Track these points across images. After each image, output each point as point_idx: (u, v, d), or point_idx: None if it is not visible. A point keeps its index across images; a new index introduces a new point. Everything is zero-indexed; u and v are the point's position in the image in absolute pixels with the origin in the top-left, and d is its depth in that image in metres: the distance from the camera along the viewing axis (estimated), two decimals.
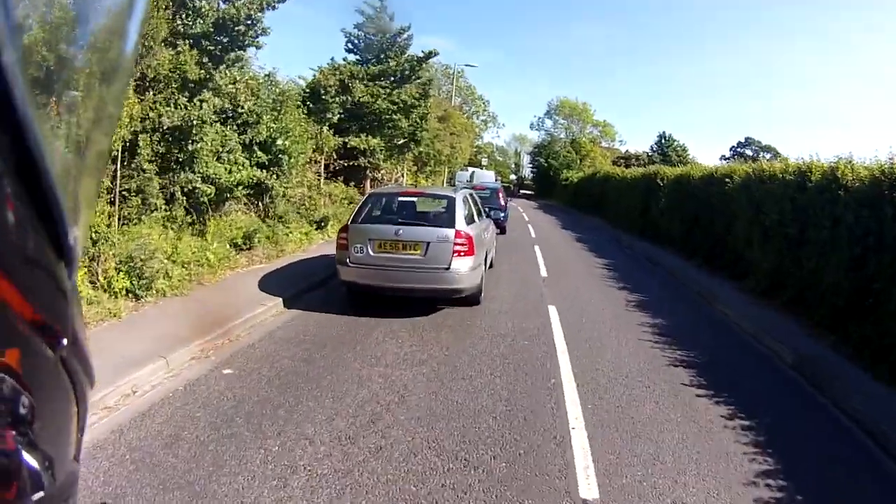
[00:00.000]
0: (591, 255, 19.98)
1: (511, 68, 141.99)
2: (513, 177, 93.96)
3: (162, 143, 11.01)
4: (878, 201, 9.35)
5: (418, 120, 24.85)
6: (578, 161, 68.56)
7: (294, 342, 8.25)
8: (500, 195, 25.03)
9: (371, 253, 9.64)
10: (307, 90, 20.40)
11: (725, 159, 67.25)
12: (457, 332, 9.21)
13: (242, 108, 13.27)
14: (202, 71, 11.56)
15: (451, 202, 10.47)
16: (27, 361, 0.68)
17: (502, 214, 23.31)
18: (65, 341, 0.77)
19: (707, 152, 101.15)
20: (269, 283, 11.05)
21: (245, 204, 14.90)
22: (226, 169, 12.63)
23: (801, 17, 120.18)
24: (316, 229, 17.21)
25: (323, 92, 19.77)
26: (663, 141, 72.27)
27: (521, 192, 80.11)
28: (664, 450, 5.67)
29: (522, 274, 14.78)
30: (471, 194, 12.66)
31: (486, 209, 15.13)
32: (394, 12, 25.22)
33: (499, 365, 7.77)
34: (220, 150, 12.50)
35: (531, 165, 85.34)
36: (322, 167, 19.76)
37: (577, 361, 8.08)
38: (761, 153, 68.00)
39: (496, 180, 49.98)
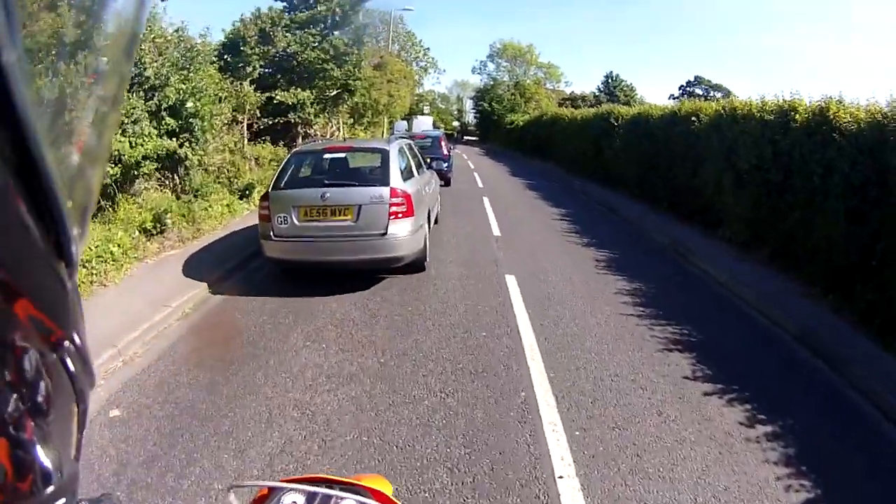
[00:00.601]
0: (546, 205, 18.66)
1: (450, 13, 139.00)
2: (456, 123, 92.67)
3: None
4: (881, 147, 8.12)
5: (352, 68, 22.80)
6: (523, 104, 67.44)
7: (197, 360, 6.65)
8: (443, 143, 23.10)
9: (296, 223, 8.61)
10: (226, 42, 18.35)
11: (674, 98, 66.46)
12: (395, 323, 7.70)
13: (146, 70, 11.69)
14: (79, 31, 9.61)
15: (385, 156, 9.30)
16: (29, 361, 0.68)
17: (445, 164, 21.31)
18: (65, 342, 0.74)
19: (655, 92, 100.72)
20: (175, 276, 9.47)
21: (158, 180, 13.23)
22: (130, 143, 11.11)
23: None
24: (240, 199, 15.42)
25: (242, 44, 17.74)
26: (610, 81, 72.42)
27: (465, 138, 79.59)
28: (683, 491, 4.26)
29: (472, 233, 13.32)
30: (408, 145, 11.51)
31: (428, 160, 14.05)
32: None
33: (450, 375, 6.16)
34: (125, 121, 11.01)
35: (474, 111, 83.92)
36: (244, 128, 17.77)
37: (550, 359, 6.52)
38: (711, 92, 67.61)
39: (436, 127, 52.56)
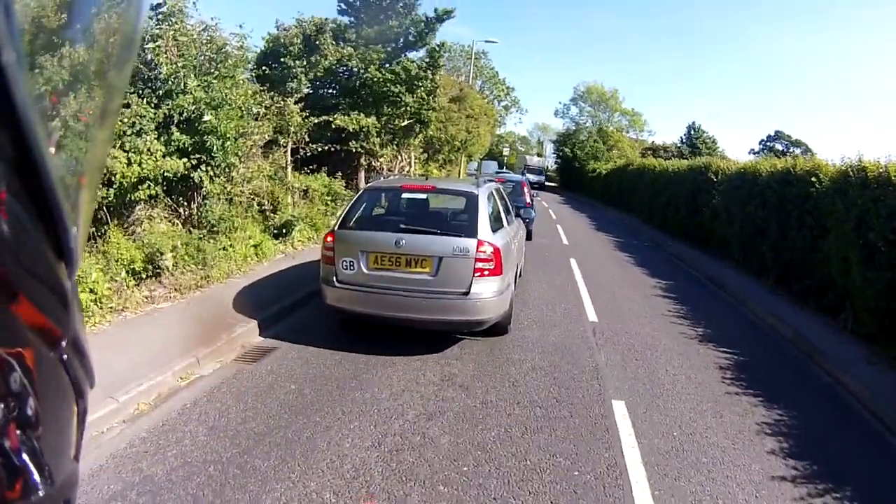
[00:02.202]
0: (642, 273, 15.64)
1: (535, 55, 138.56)
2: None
3: None
4: None
5: (425, 96, 19.80)
6: (606, 151, 65.71)
7: None
8: (525, 189, 19.91)
9: (364, 270, 7.69)
10: (266, 50, 15.84)
11: (755, 153, 67.40)
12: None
13: (161, 70, 9.66)
14: (61, 16, 7.34)
15: (472, 201, 8.27)
16: (29, 361, 0.69)
17: (531, 214, 17.70)
18: (65, 342, 0.77)
19: (736, 145, 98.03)
20: (151, 343, 7.08)
21: (168, 207, 10.87)
22: (129, 159, 9.02)
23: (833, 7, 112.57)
24: (275, 238, 12.81)
25: (283, 54, 15.09)
26: (692, 132, 69.63)
27: (546, 183, 76.80)
28: None
29: (561, 316, 10.27)
30: (498, 189, 10.20)
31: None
32: None
33: None
34: (127, 131, 9.11)
35: (555, 155, 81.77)
36: (287, 153, 15.04)
37: None
38: (791, 148, 66.64)
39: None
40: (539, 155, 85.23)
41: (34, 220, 0.65)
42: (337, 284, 7.75)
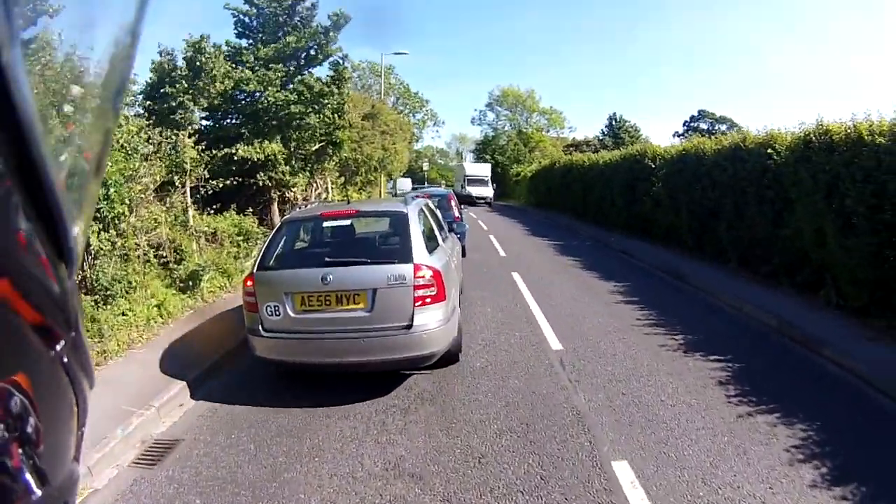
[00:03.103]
0: (593, 278, 14.30)
1: (446, 67, 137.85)
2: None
3: None
4: None
5: (330, 114, 18.24)
6: (528, 153, 66.10)
7: None
8: (453, 203, 18.17)
9: (291, 314, 6.89)
10: (152, 81, 13.98)
11: (679, 136, 66.65)
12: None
13: None
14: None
15: (402, 221, 7.58)
16: (31, 360, 0.71)
17: (464, 228, 16.54)
18: (64, 342, 0.77)
19: (659, 131, 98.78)
20: None
21: None
22: None
23: None
24: (182, 293, 11.12)
25: (167, 82, 13.42)
26: (614, 123, 70.47)
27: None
28: None
29: (517, 349, 8.70)
30: (426, 204, 9.47)
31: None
32: None
33: None
34: None
35: (459, 167, 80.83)
36: (187, 194, 13.27)
37: None
38: (716, 125, 66.78)
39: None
40: (482, 159, 72.23)
41: (34, 220, 0.64)
42: (264, 333, 6.94)
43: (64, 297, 0.73)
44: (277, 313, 6.89)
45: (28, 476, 0.65)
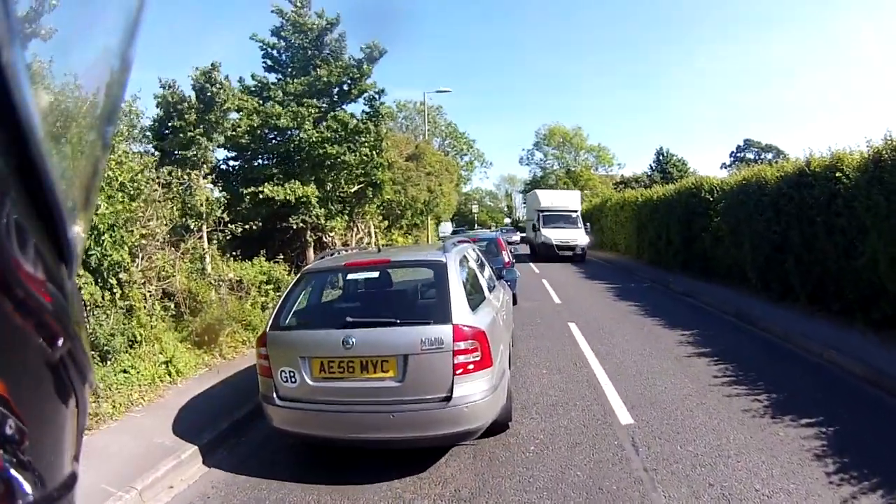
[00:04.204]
0: (657, 326, 12.80)
1: (492, 106, 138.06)
2: (507, 220, 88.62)
3: None
4: None
5: (368, 152, 17.02)
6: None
7: None
8: (503, 247, 16.58)
9: (308, 381, 5.84)
10: (159, 117, 12.95)
11: (727, 167, 68.32)
12: None
13: None
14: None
15: (440, 271, 6.39)
16: (24, 361, 0.70)
17: (515, 275, 14.79)
18: (63, 342, 0.75)
19: (706, 163, 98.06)
20: None
21: None
22: None
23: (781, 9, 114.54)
24: (198, 347, 10.05)
25: (175, 114, 12.29)
26: (661, 157, 69.89)
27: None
28: None
29: (579, 425, 7.14)
30: (473, 249, 8.61)
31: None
32: (323, 9, 17.49)
33: None
34: None
35: (524, 205, 79.34)
36: (204, 238, 12.23)
37: None
38: (763, 154, 67.43)
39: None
40: (566, 185, 63.89)
41: (34, 220, 0.65)
42: (278, 402, 6.02)
43: (63, 297, 0.72)
44: (293, 380, 5.97)
45: (16, 475, 0.64)
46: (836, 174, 11.63)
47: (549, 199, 36.35)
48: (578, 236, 32.17)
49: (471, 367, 5.75)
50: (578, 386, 8.63)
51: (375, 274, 7.74)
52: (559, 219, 33.59)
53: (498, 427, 6.52)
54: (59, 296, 0.72)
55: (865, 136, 11.62)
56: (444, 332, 5.75)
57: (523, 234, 53.99)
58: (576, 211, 35.13)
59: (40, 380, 0.73)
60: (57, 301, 0.71)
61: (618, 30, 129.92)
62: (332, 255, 8.73)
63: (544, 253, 31.91)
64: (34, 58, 0.82)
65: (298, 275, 7.48)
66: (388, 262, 7.47)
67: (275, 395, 6.07)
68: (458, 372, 5.70)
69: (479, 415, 5.80)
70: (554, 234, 32.09)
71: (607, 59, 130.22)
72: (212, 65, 12.46)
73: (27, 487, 0.66)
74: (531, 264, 29.51)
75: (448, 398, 5.66)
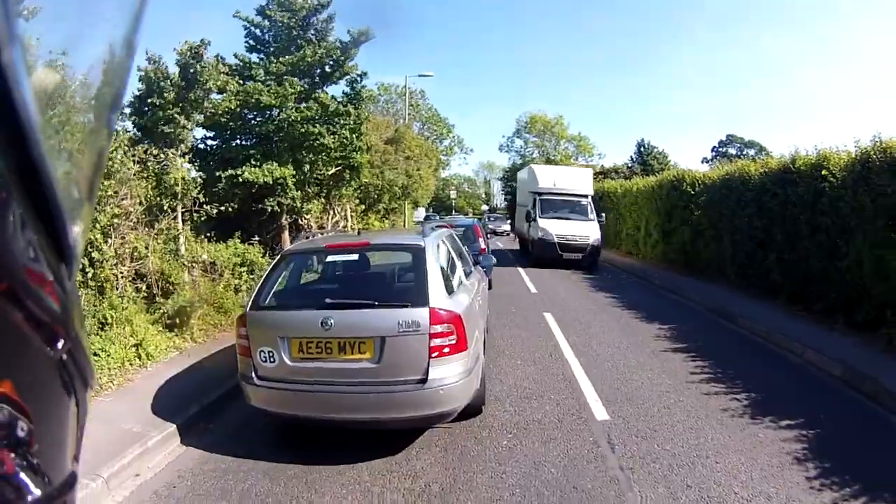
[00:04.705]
0: (636, 319, 12.79)
1: (473, 94, 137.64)
2: (485, 207, 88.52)
3: None
4: None
5: (348, 134, 16.85)
6: None
7: None
8: (479, 234, 16.80)
9: (287, 361, 5.91)
10: (140, 94, 12.52)
11: (708, 161, 67.23)
12: None
13: None
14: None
15: (419, 255, 6.48)
16: (27, 361, 0.71)
17: (491, 261, 13.69)
18: (63, 342, 0.77)
19: (687, 156, 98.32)
20: None
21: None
22: None
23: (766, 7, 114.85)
24: (169, 330, 9.85)
25: (156, 91, 11.97)
26: (642, 149, 68.99)
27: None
28: None
29: (553, 419, 7.05)
30: (449, 235, 8.48)
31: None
32: None
33: None
34: None
35: (503, 192, 79.59)
36: (179, 218, 11.99)
37: None
38: (745, 150, 67.61)
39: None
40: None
41: (34, 220, 0.65)
42: (257, 381, 6.06)
43: (64, 298, 0.73)
44: (272, 360, 6.00)
45: (25, 478, 0.65)
46: (823, 172, 11.68)
47: (551, 177, 26.50)
48: (590, 231, 23.20)
49: (446, 350, 5.84)
50: (554, 380, 8.55)
51: (355, 256, 7.84)
52: (564, 206, 24.80)
53: (471, 410, 6.61)
54: (60, 296, 0.73)
55: (854, 137, 11.68)
56: (420, 314, 5.83)
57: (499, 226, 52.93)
58: (587, 196, 25.53)
59: (42, 380, 0.74)
60: (58, 301, 0.72)
61: (604, 21, 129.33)
62: (310, 237, 8.99)
63: (541, 253, 23.26)
64: (37, 39, 0.80)
65: (279, 256, 7.55)
66: (368, 244, 7.46)
67: (254, 374, 6.09)
68: (433, 355, 5.78)
69: (453, 397, 5.91)
70: (556, 228, 23.24)
71: (592, 50, 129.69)
72: (201, 41, 12.25)
73: (34, 489, 0.67)
74: (520, 270, 22.06)
75: (423, 380, 5.75)
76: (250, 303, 6.49)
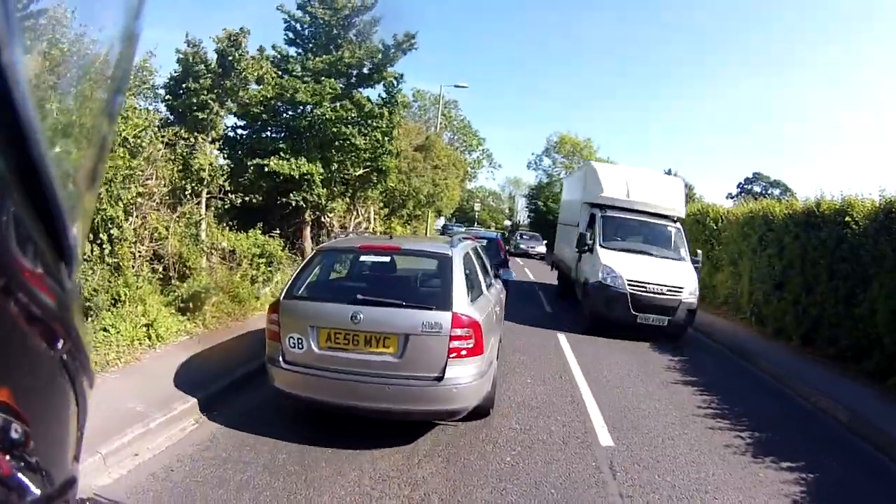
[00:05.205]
0: (649, 349, 12.61)
1: (506, 112, 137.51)
2: (507, 223, 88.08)
3: None
4: None
5: (380, 137, 16.76)
6: None
7: None
8: (502, 248, 16.41)
9: (315, 349, 6.33)
10: (175, 76, 12.55)
11: (733, 197, 67.57)
12: None
13: None
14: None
15: (446, 265, 6.94)
16: (27, 362, 0.72)
17: (511, 276, 13.46)
18: (65, 341, 0.78)
19: (712, 190, 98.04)
20: None
21: None
22: None
23: (797, 50, 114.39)
24: (181, 314, 9.80)
25: (192, 75, 11.95)
26: None
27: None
28: None
29: (558, 440, 7.01)
30: (474, 248, 8.73)
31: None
32: None
33: None
34: None
35: (528, 209, 78.88)
36: (202, 204, 12.00)
37: None
38: (770, 189, 67.17)
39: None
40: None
41: (34, 220, 0.65)
42: (284, 365, 6.49)
43: (64, 298, 0.73)
44: (300, 346, 6.46)
45: (23, 479, 0.65)
46: (846, 219, 11.54)
47: (623, 182, 16.44)
48: (684, 278, 14.20)
49: (464, 352, 6.26)
50: (561, 397, 8.63)
51: (386, 259, 8.24)
52: (641, 231, 15.95)
53: (481, 412, 7.03)
54: (60, 296, 0.72)
55: (879, 186, 11.55)
56: (443, 318, 6.26)
57: (532, 247, 43.90)
58: (676, 220, 16.32)
59: (42, 381, 0.74)
60: (58, 301, 0.72)
61: (636, 50, 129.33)
62: (344, 235, 9.98)
63: (601, 308, 13.99)
64: (57, 4, 0.91)
65: (314, 251, 8.22)
66: (399, 248, 8.03)
67: (281, 358, 6.49)
68: (451, 355, 6.21)
69: (465, 396, 6.34)
70: (630, 268, 14.11)
71: (624, 78, 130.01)
72: (241, 29, 12.29)
73: (34, 488, 0.67)
74: (561, 341, 12.61)
75: (440, 378, 6.19)
76: (284, 292, 6.88)
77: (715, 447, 7.17)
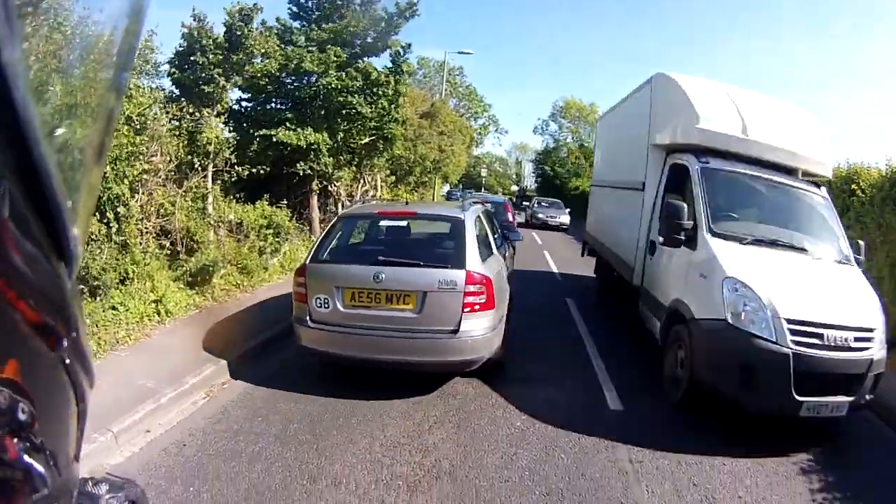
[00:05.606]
0: None
1: (513, 75, 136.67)
2: (514, 188, 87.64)
3: None
4: None
5: (386, 105, 16.56)
6: (588, 167, 61.78)
7: None
8: (509, 210, 17.62)
9: (340, 308, 6.86)
10: (180, 51, 12.46)
11: None
12: None
13: None
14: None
15: (458, 227, 7.44)
16: (27, 362, 0.70)
17: (518, 237, 13.44)
18: (65, 341, 0.77)
19: None
20: None
21: None
22: None
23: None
24: (190, 288, 9.83)
25: (199, 49, 11.89)
26: None
27: (524, 203, 72.66)
28: None
29: (566, 402, 7.08)
30: (485, 211, 9.41)
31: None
32: None
33: None
34: None
35: (535, 174, 78.48)
36: (209, 177, 11.97)
37: None
38: None
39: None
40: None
41: (34, 220, 0.65)
42: (311, 324, 6.98)
43: (64, 298, 0.73)
44: (326, 306, 6.93)
45: (31, 462, 0.65)
46: (853, 187, 11.58)
47: (733, 109, 8.55)
48: (869, 310, 6.80)
49: (477, 307, 6.78)
50: (573, 364, 8.64)
51: (404, 223, 8.86)
52: (774, 203, 8.33)
53: (493, 363, 7.40)
54: (59, 296, 0.73)
55: (886, 155, 11.31)
56: (458, 275, 6.77)
57: (552, 216, 36.25)
58: (820, 184, 8.87)
59: (44, 381, 0.73)
60: (59, 302, 0.72)
61: (645, 20, 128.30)
62: (349, 204, 9.64)
63: (726, 386, 6.41)
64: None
65: (336, 217, 8.68)
66: (415, 213, 8.54)
67: (308, 318, 6.97)
68: (465, 310, 6.72)
69: (479, 348, 6.86)
70: (786, 291, 6.49)
71: (630, 44, 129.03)
72: (254, 5, 12.35)
73: (44, 473, 0.68)
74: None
75: (456, 331, 6.71)
76: (310, 256, 7.36)
77: (724, 414, 6.70)
